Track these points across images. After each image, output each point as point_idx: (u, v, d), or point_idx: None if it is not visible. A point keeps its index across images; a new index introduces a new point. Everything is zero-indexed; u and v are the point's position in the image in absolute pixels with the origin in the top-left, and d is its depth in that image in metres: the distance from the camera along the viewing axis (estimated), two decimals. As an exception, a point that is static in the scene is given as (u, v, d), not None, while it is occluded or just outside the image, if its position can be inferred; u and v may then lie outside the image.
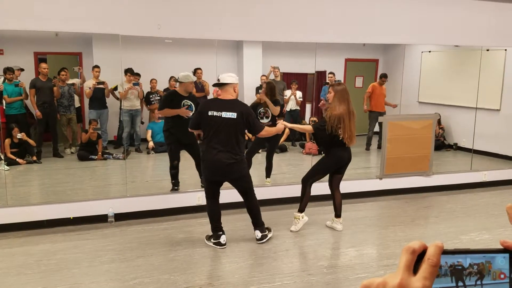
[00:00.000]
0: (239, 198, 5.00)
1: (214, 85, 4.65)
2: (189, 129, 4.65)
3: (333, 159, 4.91)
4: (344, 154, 4.88)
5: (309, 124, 5.10)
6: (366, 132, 8.49)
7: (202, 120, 4.40)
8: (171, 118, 5.56)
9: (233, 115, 4.34)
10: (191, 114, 5.43)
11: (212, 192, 4.60)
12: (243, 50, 7.75)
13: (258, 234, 4.71)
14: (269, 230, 4.88)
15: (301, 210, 5.05)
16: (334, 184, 5.08)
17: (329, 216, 5.28)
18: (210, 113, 4.35)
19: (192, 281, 3.89)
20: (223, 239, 4.61)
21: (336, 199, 5.10)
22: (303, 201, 5.02)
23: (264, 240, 4.72)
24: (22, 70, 6.72)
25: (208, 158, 4.41)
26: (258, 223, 4.72)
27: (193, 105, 5.60)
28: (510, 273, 0.58)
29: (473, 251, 0.58)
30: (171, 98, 5.64)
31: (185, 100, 5.58)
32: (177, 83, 5.71)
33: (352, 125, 4.77)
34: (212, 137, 4.36)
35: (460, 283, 0.57)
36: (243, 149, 4.57)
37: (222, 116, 4.33)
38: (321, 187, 5.32)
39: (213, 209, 4.62)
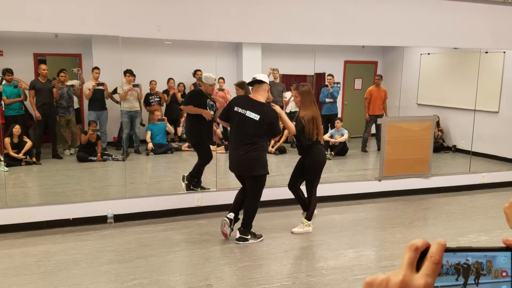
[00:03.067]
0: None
1: (249, 83, 4.79)
2: (218, 120, 4.91)
3: (316, 158, 4.92)
4: (323, 150, 4.99)
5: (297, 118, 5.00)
6: (361, 134, 8.52)
7: (230, 114, 4.63)
8: (195, 119, 5.65)
9: (256, 116, 4.50)
10: (212, 116, 5.61)
11: (241, 181, 4.86)
12: (242, 52, 7.76)
13: (237, 234, 4.78)
14: (255, 235, 4.83)
15: (308, 218, 5.06)
16: (297, 185, 5.13)
17: (327, 217, 5.29)
18: (236, 108, 4.56)
19: (191, 282, 3.89)
20: (229, 215, 4.78)
21: (300, 197, 5.15)
22: (311, 209, 5.04)
23: (241, 242, 4.74)
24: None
25: (230, 151, 4.73)
26: (243, 225, 4.77)
27: (215, 105, 5.82)
28: None
29: (475, 249, 0.59)
30: (197, 96, 5.77)
31: (209, 100, 5.74)
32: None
33: (320, 124, 4.88)
34: (234, 132, 4.60)
35: (471, 281, 0.58)
36: (263, 150, 4.64)
37: (246, 114, 4.51)
38: (319, 190, 5.31)
39: (237, 194, 4.88)
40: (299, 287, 3.87)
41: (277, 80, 7.66)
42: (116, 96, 7.35)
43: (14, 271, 4.07)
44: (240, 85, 5.97)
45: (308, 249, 4.78)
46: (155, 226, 5.25)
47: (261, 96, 4.63)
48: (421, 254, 0.57)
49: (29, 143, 6.69)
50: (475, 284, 0.58)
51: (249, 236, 4.79)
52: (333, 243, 4.93)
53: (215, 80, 5.79)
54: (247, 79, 6.60)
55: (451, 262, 0.58)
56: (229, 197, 5.76)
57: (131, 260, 4.33)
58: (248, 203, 4.73)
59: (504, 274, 0.59)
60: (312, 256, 4.63)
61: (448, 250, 0.58)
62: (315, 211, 5.16)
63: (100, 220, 5.26)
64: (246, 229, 4.78)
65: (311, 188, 4.99)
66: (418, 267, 0.56)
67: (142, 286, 3.82)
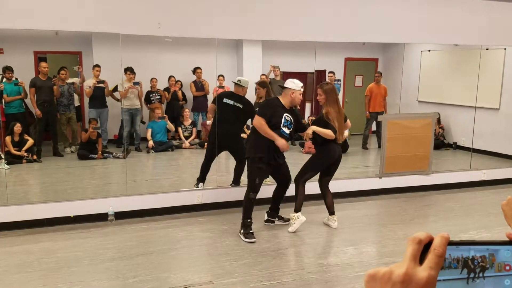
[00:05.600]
0: (241, 197, 5.02)
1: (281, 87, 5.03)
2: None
3: (325, 156, 4.95)
4: (336, 151, 4.95)
5: (308, 123, 5.09)
6: (362, 131, 8.51)
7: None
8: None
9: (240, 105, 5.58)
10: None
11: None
12: (243, 49, 7.75)
13: None
14: (247, 234, 4.75)
15: (296, 210, 5.01)
16: (323, 186, 5.13)
17: (327, 214, 5.28)
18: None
19: (192, 279, 3.90)
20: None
21: (327, 199, 5.14)
22: (298, 200, 5.01)
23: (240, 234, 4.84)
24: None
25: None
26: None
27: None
28: None
29: (478, 242, 0.58)
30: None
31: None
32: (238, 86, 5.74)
33: (341, 123, 4.89)
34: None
35: (472, 275, 0.58)
36: (252, 132, 4.88)
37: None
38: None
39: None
40: (300, 284, 3.87)
41: (278, 78, 7.65)
42: (116, 94, 7.35)
43: (15, 268, 4.08)
44: (262, 84, 6.02)
45: (309, 246, 4.78)
46: (156, 224, 5.25)
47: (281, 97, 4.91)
48: (425, 247, 0.57)
49: (30, 141, 6.69)
50: (479, 277, 0.58)
51: (242, 231, 4.79)
52: (334, 240, 4.94)
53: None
54: (248, 77, 6.64)
55: (453, 256, 0.58)
56: (229, 195, 5.79)
57: (132, 257, 4.34)
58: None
59: (507, 268, 0.58)
60: (313, 253, 4.63)
61: (451, 243, 0.57)
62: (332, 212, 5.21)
63: (101, 217, 5.26)
64: (242, 220, 4.81)
65: (299, 181, 5.00)
66: (421, 260, 0.56)
67: (143, 283, 3.83)
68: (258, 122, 4.67)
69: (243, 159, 5.57)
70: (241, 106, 5.60)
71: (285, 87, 4.80)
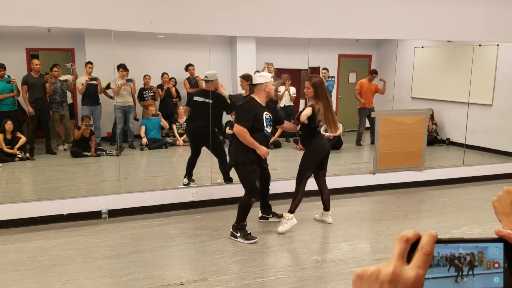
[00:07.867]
0: (235, 194, 5.02)
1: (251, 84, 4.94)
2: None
3: (317, 150, 4.88)
4: (325, 142, 4.90)
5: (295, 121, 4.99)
6: (356, 128, 8.53)
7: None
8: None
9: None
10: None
11: None
12: (236, 45, 7.73)
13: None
14: (246, 236, 4.66)
15: (291, 211, 4.91)
16: (320, 181, 5.10)
17: (321, 210, 5.29)
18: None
19: (186, 277, 3.90)
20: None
21: (324, 195, 5.13)
22: (296, 201, 4.91)
23: (232, 238, 4.69)
24: None
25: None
26: (236, 220, 4.70)
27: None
28: (504, 262, 0.58)
29: (466, 240, 0.58)
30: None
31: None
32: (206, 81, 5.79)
33: (332, 114, 4.85)
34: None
35: (463, 272, 0.57)
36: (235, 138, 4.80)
37: None
38: (312, 182, 5.32)
39: None
40: (294, 280, 3.88)
41: (272, 74, 7.64)
42: (109, 91, 7.31)
43: (9, 267, 4.06)
44: (246, 77, 5.99)
45: (303, 242, 4.79)
46: (150, 221, 5.24)
47: (257, 95, 4.71)
48: (412, 246, 0.56)
49: (22, 139, 6.65)
50: (468, 275, 0.58)
51: (238, 234, 4.68)
52: (328, 236, 4.95)
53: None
54: (241, 73, 6.62)
55: (442, 254, 0.57)
56: (223, 192, 5.78)
57: (125, 255, 4.33)
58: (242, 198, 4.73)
59: (496, 265, 0.58)
60: (307, 249, 4.64)
61: (439, 241, 0.57)
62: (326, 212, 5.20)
63: (94, 215, 5.24)
64: (236, 224, 4.69)
65: (300, 180, 4.92)
66: (409, 259, 0.56)
67: (136, 281, 3.82)
68: (238, 129, 4.44)
69: (224, 157, 5.55)
70: (210, 101, 5.66)
71: (256, 84, 4.62)
